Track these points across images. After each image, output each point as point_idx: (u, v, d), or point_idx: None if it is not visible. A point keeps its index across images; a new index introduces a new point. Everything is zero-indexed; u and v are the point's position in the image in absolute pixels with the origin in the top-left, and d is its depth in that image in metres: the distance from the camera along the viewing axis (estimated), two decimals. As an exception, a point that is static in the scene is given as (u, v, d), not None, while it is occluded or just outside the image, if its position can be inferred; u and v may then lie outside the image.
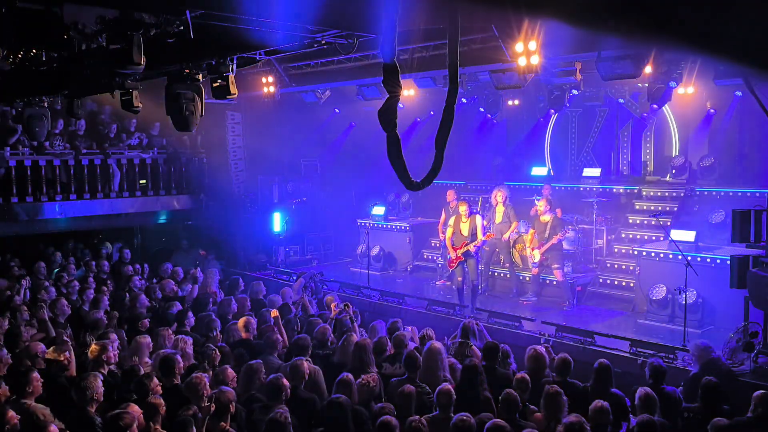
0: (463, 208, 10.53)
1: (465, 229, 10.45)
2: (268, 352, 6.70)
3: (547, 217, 10.85)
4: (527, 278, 11.63)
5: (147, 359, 6.66)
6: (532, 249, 10.97)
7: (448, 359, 6.74)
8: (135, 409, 4.87)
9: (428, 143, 13.54)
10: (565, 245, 11.27)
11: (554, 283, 11.08)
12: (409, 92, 12.58)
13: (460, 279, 10.72)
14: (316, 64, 12.24)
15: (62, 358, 6.11)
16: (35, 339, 7.16)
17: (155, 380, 5.54)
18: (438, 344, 6.60)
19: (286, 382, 5.62)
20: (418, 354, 6.38)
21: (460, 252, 10.47)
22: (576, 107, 14.03)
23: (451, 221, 10.85)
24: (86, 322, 7.98)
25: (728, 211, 9.46)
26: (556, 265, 10.74)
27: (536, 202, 12.29)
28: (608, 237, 12.01)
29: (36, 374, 5.54)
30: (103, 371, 5.98)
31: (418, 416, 5.09)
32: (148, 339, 6.90)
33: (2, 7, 4.84)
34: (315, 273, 11.11)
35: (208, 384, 5.51)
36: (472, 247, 10.38)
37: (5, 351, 6.41)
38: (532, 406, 5.83)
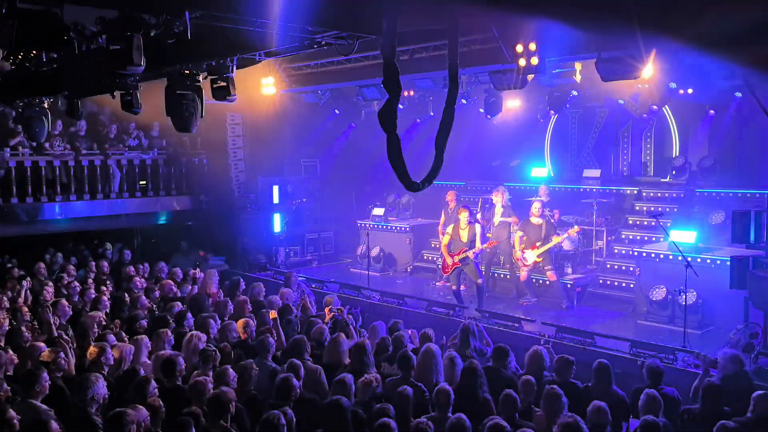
0: (464, 215, 10.50)
1: (464, 235, 10.44)
2: (262, 355, 6.70)
3: (539, 221, 10.75)
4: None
5: (146, 359, 6.65)
6: (522, 250, 10.86)
7: (449, 354, 6.76)
8: (142, 411, 4.86)
9: (428, 144, 13.56)
10: (565, 246, 11.26)
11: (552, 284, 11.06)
12: (409, 93, 12.59)
13: (455, 287, 10.70)
14: (315, 65, 12.25)
15: (59, 359, 6.10)
16: (37, 340, 7.15)
17: (153, 383, 5.54)
18: (434, 347, 6.58)
19: (296, 381, 5.63)
20: (412, 354, 6.38)
21: (457, 258, 10.47)
22: (576, 108, 14.03)
23: (449, 229, 10.80)
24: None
25: (728, 211, 9.48)
26: (548, 267, 10.70)
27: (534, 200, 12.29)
28: (608, 238, 12.01)
29: (45, 374, 5.54)
30: (102, 372, 5.99)
31: (425, 418, 5.08)
32: (145, 340, 6.90)
33: (2, 8, 4.85)
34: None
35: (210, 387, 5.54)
36: (471, 254, 10.38)
37: (10, 351, 6.41)
38: (535, 408, 5.84)
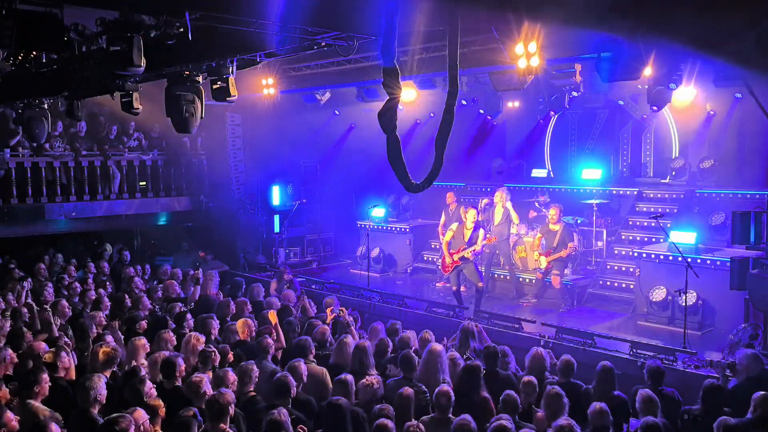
0: (471, 214, 10.47)
1: (467, 235, 10.42)
2: (261, 356, 6.69)
3: (557, 226, 10.78)
4: (527, 280, 11.62)
5: (143, 361, 6.65)
6: (539, 254, 10.91)
7: (451, 354, 6.77)
8: (141, 414, 4.86)
9: (428, 145, 13.58)
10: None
11: (553, 286, 11.06)
12: (409, 94, 12.59)
13: (455, 288, 10.68)
14: (316, 66, 12.25)
15: (61, 360, 6.11)
16: (38, 340, 7.15)
17: (149, 383, 5.55)
18: (438, 346, 6.59)
19: (292, 380, 5.63)
20: (414, 355, 6.38)
21: (456, 257, 10.44)
22: (576, 109, 14.03)
23: (454, 226, 10.79)
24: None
25: (728, 212, 9.46)
26: (556, 272, 10.70)
27: (540, 207, 12.26)
28: (608, 239, 12.00)
29: (45, 375, 5.54)
30: (115, 372, 6.04)
31: (416, 421, 5.08)
32: (144, 341, 6.90)
33: (2, 9, 4.85)
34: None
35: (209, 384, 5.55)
36: (469, 253, 10.35)
37: (10, 351, 6.41)
38: (535, 408, 5.84)
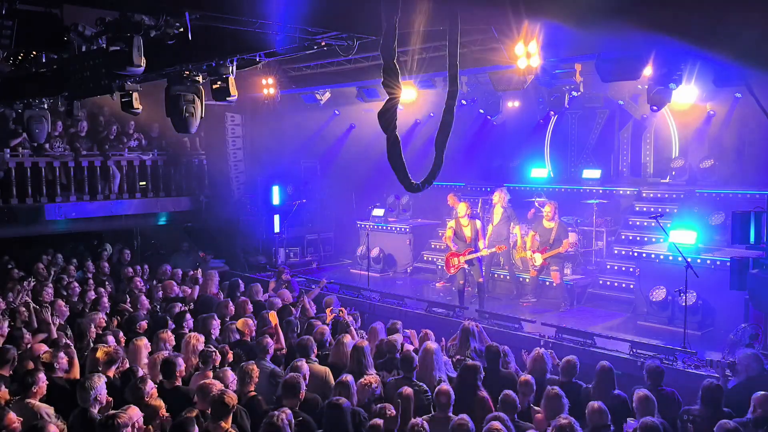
0: (462, 207, 10.51)
1: (468, 232, 10.44)
2: (261, 356, 6.70)
3: (551, 224, 10.79)
4: (527, 280, 11.62)
5: (146, 361, 6.66)
6: (533, 252, 10.92)
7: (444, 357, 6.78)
8: (135, 411, 4.86)
9: (428, 145, 13.58)
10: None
11: (553, 284, 11.07)
12: (409, 94, 12.59)
13: (462, 282, 10.71)
14: (315, 66, 12.25)
15: (58, 361, 6.11)
16: (37, 340, 7.15)
17: (150, 383, 5.55)
18: (433, 344, 6.61)
19: (302, 380, 5.64)
20: (414, 355, 6.39)
21: (463, 259, 10.49)
22: (575, 109, 14.01)
23: (452, 223, 10.82)
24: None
25: (728, 212, 9.46)
26: (555, 268, 10.71)
27: (537, 204, 12.24)
28: (608, 238, 11.99)
29: (42, 375, 5.55)
30: (116, 373, 6.03)
31: (420, 419, 5.08)
32: (145, 341, 6.90)
33: (2, 9, 4.85)
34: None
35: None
36: (486, 252, 10.49)
37: (12, 352, 6.41)
38: (535, 407, 5.85)
